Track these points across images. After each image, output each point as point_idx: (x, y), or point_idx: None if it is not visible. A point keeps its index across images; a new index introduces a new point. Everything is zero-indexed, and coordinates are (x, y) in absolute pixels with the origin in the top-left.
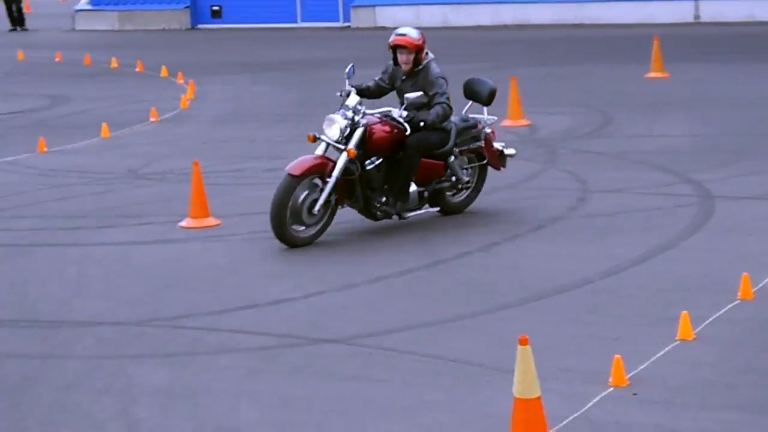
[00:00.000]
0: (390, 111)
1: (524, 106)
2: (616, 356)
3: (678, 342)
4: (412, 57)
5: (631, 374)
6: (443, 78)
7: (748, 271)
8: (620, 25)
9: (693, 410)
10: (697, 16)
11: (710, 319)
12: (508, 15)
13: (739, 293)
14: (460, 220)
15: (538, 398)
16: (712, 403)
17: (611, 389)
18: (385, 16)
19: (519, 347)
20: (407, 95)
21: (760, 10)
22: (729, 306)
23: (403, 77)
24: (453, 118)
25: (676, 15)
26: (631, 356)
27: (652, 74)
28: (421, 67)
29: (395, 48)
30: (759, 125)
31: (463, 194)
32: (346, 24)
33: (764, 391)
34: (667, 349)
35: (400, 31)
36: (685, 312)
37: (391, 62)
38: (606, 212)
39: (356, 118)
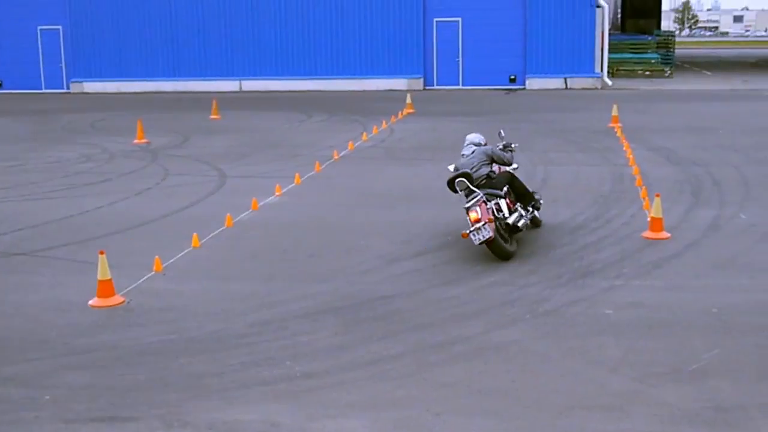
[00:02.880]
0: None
1: (146, 131)
2: (156, 257)
3: (191, 248)
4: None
5: (165, 264)
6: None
7: (230, 212)
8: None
9: (196, 280)
10: (240, 87)
11: (208, 237)
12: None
13: (225, 224)
14: None
15: (110, 279)
16: (204, 275)
17: (153, 273)
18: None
19: (99, 256)
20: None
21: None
22: (220, 229)
23: None
24: None
25: (230, 87)
26: (164, 255)
27: (212, 116)
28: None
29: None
30: (259, 141)
31: None
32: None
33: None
34: (185, 251)
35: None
36: (195, 233)
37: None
38: (179, 183)
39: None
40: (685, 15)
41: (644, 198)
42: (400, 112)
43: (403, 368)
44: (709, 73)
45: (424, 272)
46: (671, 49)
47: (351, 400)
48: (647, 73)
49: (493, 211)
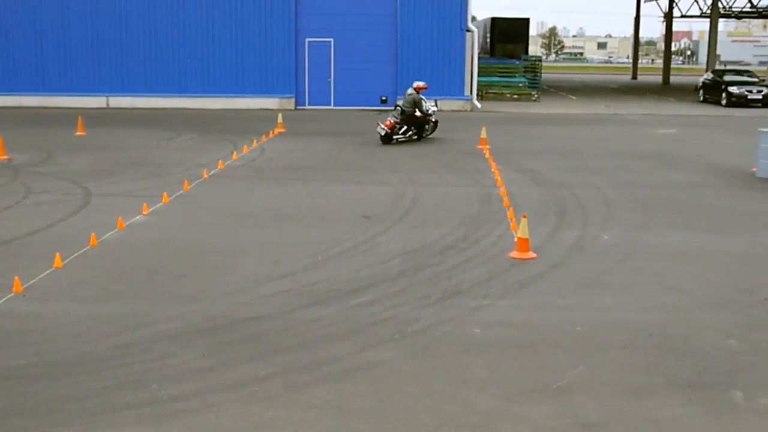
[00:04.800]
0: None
1: (7, 147)
2: (16, 277)
3: (53, 269)
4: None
5: (25, 285)
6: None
7: (95, 232)
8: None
9: (59, 301)
10: (107, 104)
11: (72, 257)
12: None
13: (89, 244)
14: None
15: None
16: (67, 296)
17: (12, 294)
18: None
19: None
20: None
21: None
22: (84, 249)
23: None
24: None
25: (97, 103)
26: (25, 276)
27: (78, 133)
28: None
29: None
30: (126, 159)
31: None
32: None
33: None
34: (47, 271)
35: (421, 83)
36: (58, 253)
37: (414, 92)
38: (42, 201)
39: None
40: (552, 41)
41: (511, 219)
42: (271, 132)
43: (271, 390)
44: (574, 97)
45: (293, 293)
46: (538, 74)
47: (218, 424)
48: (515, 96)
49: (393, 124)
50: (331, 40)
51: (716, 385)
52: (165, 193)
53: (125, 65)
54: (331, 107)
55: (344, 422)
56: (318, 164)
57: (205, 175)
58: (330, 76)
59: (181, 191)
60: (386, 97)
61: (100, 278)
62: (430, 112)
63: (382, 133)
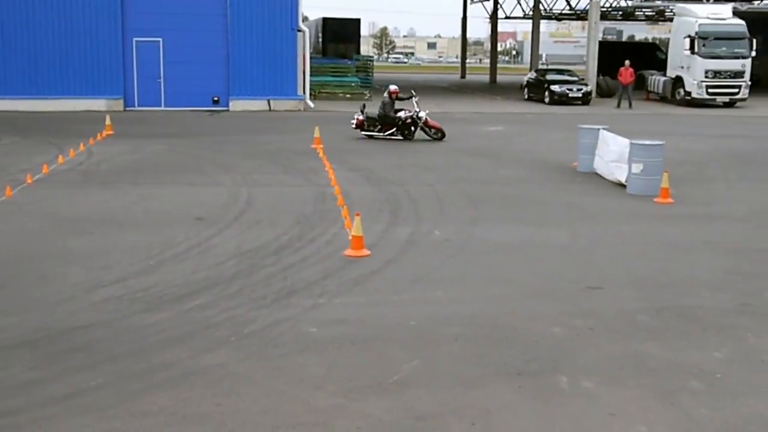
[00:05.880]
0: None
1: None
2: None
3: None
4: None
5: None
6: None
7: None
8: None
9: None
10: None
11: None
12: None
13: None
14: None
15: None
16: None
17: None
18: None
19: None
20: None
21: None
22: None
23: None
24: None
25: None
26: None
27: None
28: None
29: (392, 93)
30: None
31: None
32: None
33: None
34: None
35: (393, 87)
36: None
37: (387, 96)
38: None
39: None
40: (383, 41)
41: (345, 217)
42: (99, 134)
43: (104, 400)
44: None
45: (124, 299)
46: (370, 73)
47: None
48: (348, 96)
49: (360, 121)
50: (160, 39)
51: (543, 371)
52: None
53: None
54: (162, 108)
55: (181, 428)
56: (148, 167)
57: (29, 180)
58: (160, 77)
59: (3, 197)
60: (218, 97)
61: None
62: (399, 115)
63: (353, 126)
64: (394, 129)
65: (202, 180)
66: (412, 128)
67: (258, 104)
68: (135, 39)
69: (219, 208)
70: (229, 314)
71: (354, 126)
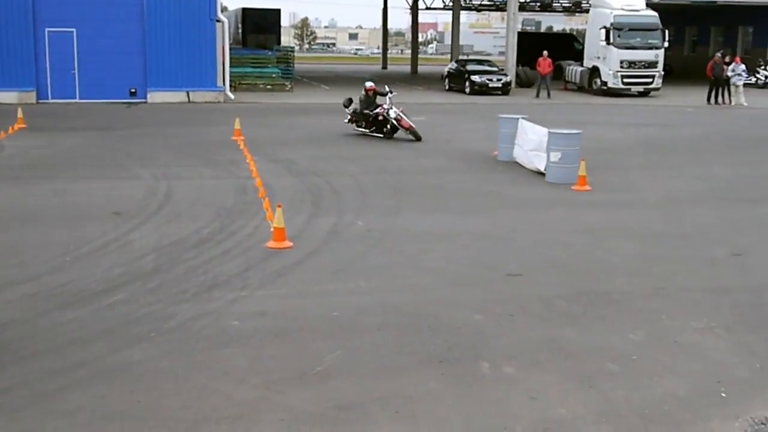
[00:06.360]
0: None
1: None
2: None
3: None
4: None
5: None
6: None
7: None
8: None
9: None
10: None
11: None
12: None
13: None
14: None
15: None
16: None
17: None
18: None
19: None
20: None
21: None
22: None
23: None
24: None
25: None
26: None
27: None
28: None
29: (368, 90)
30: None
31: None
32: None
33: None
34: None
35: (368, 84)
36: None
37: (364, 94)
38: None
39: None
40: (304, 32)
41: (267, 209)
42: (10, 128)
43: (19, 401)
44: (327, 87)
45: (40, 296)
46: (291, 64)
47: None
48: (269, 87)
49: (351, 117)
50: (74, 30)
51: (465, 358)
52: None
53: None
54: (77, 100)
55: (99, 427)
56: (63, 161)
57: None
58: (74, 68)
59: None
60: (135, 89)
61: None
62: (372, 111)
63: (346, 122)
64: (374, 126)
65: (119, 174)
66: (387, 127)
67: (177, 96)
68: (47, 29)
69: (137, 202)
70: (149, 309)
71: (347, 121)
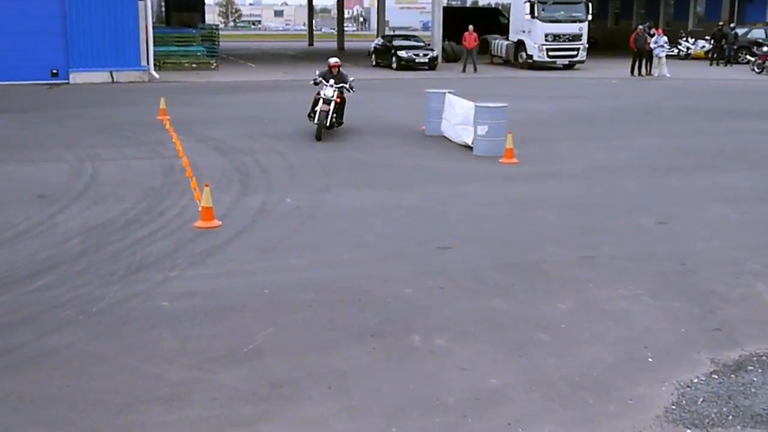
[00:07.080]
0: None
1: None
2: None
3: None
4: (337, 69)
5: None
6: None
7: None
8: None
9: None
10: None
11: None
12: None
13: None
14: None
15: None
16: None
17: None
18: None
19: None
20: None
21: None
22: None
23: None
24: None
25: None
26: None
27: None
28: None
29: (332, 66)
30: None
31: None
32: None
33: None
34: None
35: (332, 60)
36: None
37: (327, 69)
38: None
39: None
40: (229, 9)
41: (195, 189)
42: None
43: None
44: (253, 65)
45: None
46: (216, 42)
47: None
48: (194, 65)
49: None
50: None
51: (396, 332)
52: None
53: None
54: None
55: (28, 412)
56: None
57: None
58: None
59: None
60: (57, 70)
61: None
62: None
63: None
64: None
65: (42, 156)
66: (316, 109)
67: (100, 76)
68: None
69: (62, 184)
70: (76, 293)
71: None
